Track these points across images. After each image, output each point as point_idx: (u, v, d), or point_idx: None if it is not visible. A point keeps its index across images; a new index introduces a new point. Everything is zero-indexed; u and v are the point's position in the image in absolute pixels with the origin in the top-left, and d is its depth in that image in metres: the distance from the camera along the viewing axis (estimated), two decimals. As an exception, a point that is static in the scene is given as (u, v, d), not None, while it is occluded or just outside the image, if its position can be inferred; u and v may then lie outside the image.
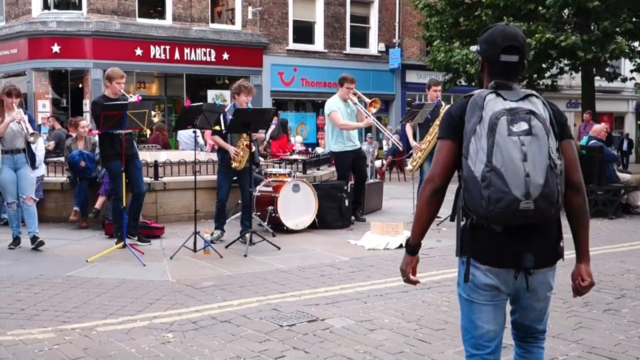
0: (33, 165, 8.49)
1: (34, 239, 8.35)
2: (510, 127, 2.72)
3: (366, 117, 10.66)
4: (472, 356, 3.02)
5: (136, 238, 8.76)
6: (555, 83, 24.15)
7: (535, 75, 22.29)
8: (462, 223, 2.95)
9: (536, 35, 19.44)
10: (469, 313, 3.00)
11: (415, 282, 3.12)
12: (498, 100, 2.80)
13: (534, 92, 2.89)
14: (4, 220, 9.77)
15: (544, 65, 22.09)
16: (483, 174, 2.73)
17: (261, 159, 11.90)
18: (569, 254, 2.95)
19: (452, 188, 2.98)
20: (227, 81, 24.48)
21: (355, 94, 10.68)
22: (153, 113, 8.64)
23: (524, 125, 2.72)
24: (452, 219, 3.25)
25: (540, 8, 19.94)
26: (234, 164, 8.80)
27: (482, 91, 2.88)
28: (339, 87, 10.77)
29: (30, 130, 8.32)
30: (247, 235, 8.50)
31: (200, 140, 13.82)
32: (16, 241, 8.48)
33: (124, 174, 8.14)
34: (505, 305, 2.99)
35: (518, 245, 2.85)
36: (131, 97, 8.56)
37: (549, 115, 2.82)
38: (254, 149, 8.82)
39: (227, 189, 9.05)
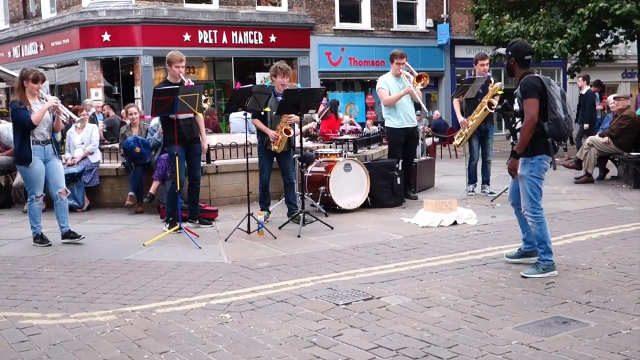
0: (58, 156, 8.17)
1: (68, 233, 8.01)
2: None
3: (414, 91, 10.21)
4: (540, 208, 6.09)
5: (197, 222, 8.87)
6: (610, 53, 23.41)
7: (589, 46, 21.58)
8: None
9: (589, 5, 18.87)
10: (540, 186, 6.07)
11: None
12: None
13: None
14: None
15: (597, 35, 21.43)
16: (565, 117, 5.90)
17: (309, 142, 11.84)
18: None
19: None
20: (275, 63, 24.42)
21: (407, 69, 10.47)
22: (204, 98, 8.64)
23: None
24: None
25: (593, -24, 19.34)
26: (273, 147, 8.86)
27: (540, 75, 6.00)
28: (391, 63, 10.58)
29: (77, 118, 8.33)
30: (300, 215, 8.52)
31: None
32: (43, 238, 7.95)
33: (177, 158, 8.17)
34: None
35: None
36: (189, 81, 8.60)
37: None
38: (292, 133, 8.89)
39: (269, 170, 9.08)
